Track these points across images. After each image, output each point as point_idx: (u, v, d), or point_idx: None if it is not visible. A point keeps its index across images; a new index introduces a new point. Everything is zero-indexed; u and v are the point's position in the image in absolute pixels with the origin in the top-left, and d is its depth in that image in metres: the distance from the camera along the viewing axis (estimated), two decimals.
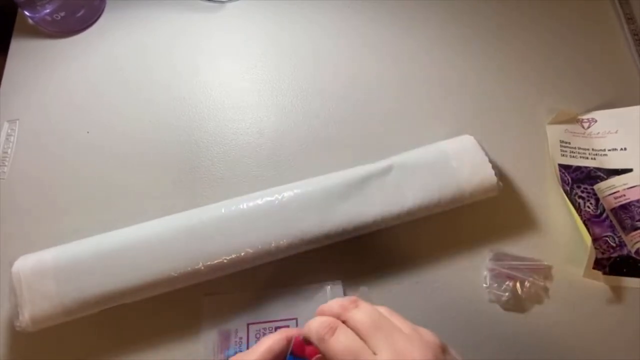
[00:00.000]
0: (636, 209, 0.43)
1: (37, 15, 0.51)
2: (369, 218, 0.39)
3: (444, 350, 0.25)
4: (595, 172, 0.45)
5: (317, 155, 0.47)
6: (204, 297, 0.40)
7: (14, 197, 0.45)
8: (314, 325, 0.27)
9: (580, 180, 0.45)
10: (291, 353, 0.31)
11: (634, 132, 0.46)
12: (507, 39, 0.53)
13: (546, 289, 0.40)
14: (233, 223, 0.39)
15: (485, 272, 0.41)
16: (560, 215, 0.43)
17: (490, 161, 0.42)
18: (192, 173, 0.46)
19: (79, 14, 0.52)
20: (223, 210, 0.39)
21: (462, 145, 0.43)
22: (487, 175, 0.41)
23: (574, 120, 0.48)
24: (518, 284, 0.40)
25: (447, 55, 0.52)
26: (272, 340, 0.31)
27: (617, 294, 0.40)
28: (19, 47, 0.52)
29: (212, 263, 0.38)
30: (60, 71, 0.51)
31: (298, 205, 0.39)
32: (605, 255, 0.41)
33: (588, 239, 0.40)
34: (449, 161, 0.42)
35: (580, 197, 0.44)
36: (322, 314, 0.29)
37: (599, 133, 0.47)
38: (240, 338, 0.38)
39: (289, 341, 0.32)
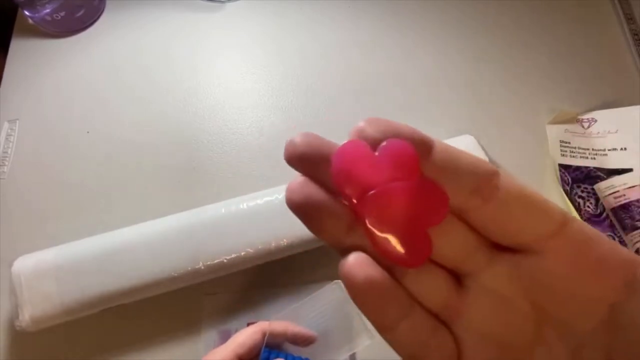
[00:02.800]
0: (636, 209, 0.42)
1: (37, 15, 0.51)
2: None
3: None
4: (595, 172, 0.45)
5: None
6: (204, 297, 0.40)
7: (14, 197, 0.45)
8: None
9: (580, 180, 0.45)
10: (266, 346, 0.31)
11: (634, 132, 0.46)
12: (507, 39, 0.53)
13: None
14: (233, 223, 0.39)
15: None
16: None
17: (490, 161, 0.42)
18: (192, 173, 0.46)
19: (79, 14, 0.52)
20: (223, 210, 0.39)
21: (462, 145, 0.43)
22: None
23: (574, 120, 0.48)
24: None
25: (448, 56, 0.52)
26: (245, 335, 0.31)
27: None
28: (19, 47, 0.52)
29: (212, 263, 0.38)
30: (60, 71, 0.51)
31: None
32: None
33: None
34: None
35: (580, 197, 0.44)
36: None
37: (599, 133, 0.47)
38: None
39: (263, 335, 0.32)
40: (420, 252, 0.15)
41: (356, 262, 0.14)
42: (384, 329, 0.15)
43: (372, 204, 0.14)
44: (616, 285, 0.15)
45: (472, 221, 0.15)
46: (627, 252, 0.15)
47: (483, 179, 0.15)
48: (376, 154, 0.14)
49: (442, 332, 0.15)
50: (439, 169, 0.14)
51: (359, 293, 0.14)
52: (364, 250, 0.14)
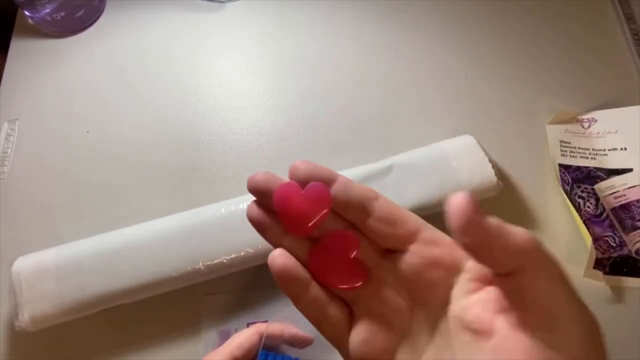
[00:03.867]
0: (636, 208, 0.43)
1: (37, 15, 0.51)
2: None
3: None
4: (595, 172, 0.45)
5: (317, 155, 0.47)
6: (204, 297, 0.40)
7: (14, 197, 0.45)
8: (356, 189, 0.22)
9: (580, 180, 0.45)
10: (263, 348, 0.31)
11: (634, 132, 0.46)
12: (507, 39, 0.53)
13: None
14: (233, 223, 0.39)
15: None
16: (560, 215, 0.43)
17: (490, 161, 0.42)
18: (192, 173, 0.46)
19: (79, 14, 0.52)
20: (223, 210, 0.39)
21: (462, 145, 0.43)
22: (487, 175, 0.41)
23: (574, 120, 0.48)
24: None
25: (448, 56, 0.52)
26: (242, 337, 0.32)
27: (617, 293, 0.40)
28: (19, 47, 0.52)
29: (212, 263, 0.38)
30: (60, 71, 0.51)
31: None
32: (605, 255, 0.41)
33: (588, 239, 0.40)
34: (449, 161, 0.42)
35: (580, 197, 0.44)
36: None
37: (599, 133, 0.47)
38: None
39: (260, 336, 0.32)
40: (358, 277, 0.22)
41: (278, 254, 0.22)
42: (295, 299, 0.22)
43: (317, 258, 0.22)
44: (451, 273, 0.21)
45: (364, 232, 0.22)
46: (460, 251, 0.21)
47: (367, 202, 0.22)
48: (302, 192, 0.22)
49: (337, 305, 0.22)
50: (338, 198, 0.22)
51: (277, 274, 0.22)
52: (292, 247, 0.22)
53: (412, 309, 0.22)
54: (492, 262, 0.18)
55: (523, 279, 0.17)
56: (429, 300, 0.21)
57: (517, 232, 0.18)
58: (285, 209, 0.22)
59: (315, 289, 0.22)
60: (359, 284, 0.22)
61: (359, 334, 0.21)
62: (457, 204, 0.17)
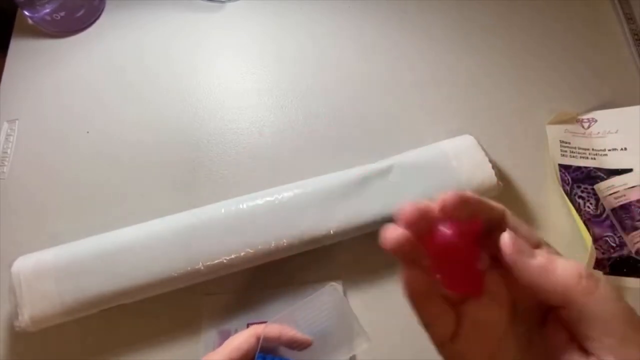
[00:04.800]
0: (636, 209, 0.42)
1: (36, 15, 0.51)
2: (369, 218, 0.39)
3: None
4: (595, 172, 0.45)
5: (317, 155, 0.47)
6: (204, 297, 0.40)
7: (14, 197, 0.45)
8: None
9: (580, 180, 0.45)
10: (260, 350, 0.31)
11: (634, 132, 0.46)
12: (507, 40, 0.53)
13: None
14: (233, 223, 0.39)
15: None
16: (560, 215, 0.43)
17: (490, 161, 0.42)
18: (192, 173, 0.46)
19: (79, 14, 0.52)
20: (223, 210, 0.39)
21: (462, 145, 0.43)
22: (487, 175, 0.41)
23: (574, 120, 0.48)
24: None
25: (448, 56, 0.52)
26: (241, 339, 0.31)
27: None
28: (18, 47, 0.52)
29: (212, 263, 0.38)
30: (59, 71, 0.51)
31: (298, 205, 0.39)
32: (605, 255, 0.41)
33: (588, 239, 0.40)
34: (449, 161, 0.42)
35: (580, 197, 0.44)
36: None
37: (599, 133, 0.47)
38: None
39: (258, 338, 0.31)
40: (479, 286, 0.22)
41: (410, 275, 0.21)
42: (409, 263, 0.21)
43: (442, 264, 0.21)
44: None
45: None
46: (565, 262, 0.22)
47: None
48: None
49: (450, 312, 0.22)
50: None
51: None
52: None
53: (512, 325, 0.22)
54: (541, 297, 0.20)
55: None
56: (529, 307, 0.22)
57: (561, 269, 0.20)
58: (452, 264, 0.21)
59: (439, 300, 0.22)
60: (480, 292, 0.22)
61: (464, 346, 0.21)
62: (506, 241, 0.20)
